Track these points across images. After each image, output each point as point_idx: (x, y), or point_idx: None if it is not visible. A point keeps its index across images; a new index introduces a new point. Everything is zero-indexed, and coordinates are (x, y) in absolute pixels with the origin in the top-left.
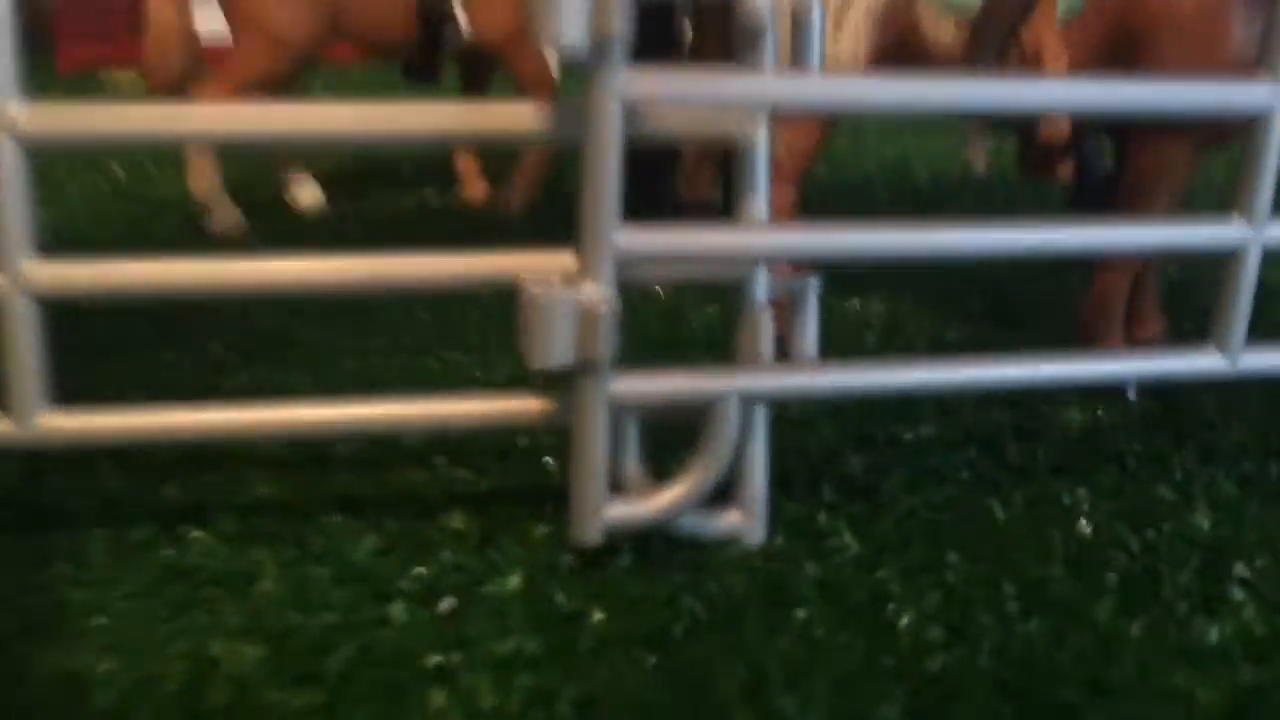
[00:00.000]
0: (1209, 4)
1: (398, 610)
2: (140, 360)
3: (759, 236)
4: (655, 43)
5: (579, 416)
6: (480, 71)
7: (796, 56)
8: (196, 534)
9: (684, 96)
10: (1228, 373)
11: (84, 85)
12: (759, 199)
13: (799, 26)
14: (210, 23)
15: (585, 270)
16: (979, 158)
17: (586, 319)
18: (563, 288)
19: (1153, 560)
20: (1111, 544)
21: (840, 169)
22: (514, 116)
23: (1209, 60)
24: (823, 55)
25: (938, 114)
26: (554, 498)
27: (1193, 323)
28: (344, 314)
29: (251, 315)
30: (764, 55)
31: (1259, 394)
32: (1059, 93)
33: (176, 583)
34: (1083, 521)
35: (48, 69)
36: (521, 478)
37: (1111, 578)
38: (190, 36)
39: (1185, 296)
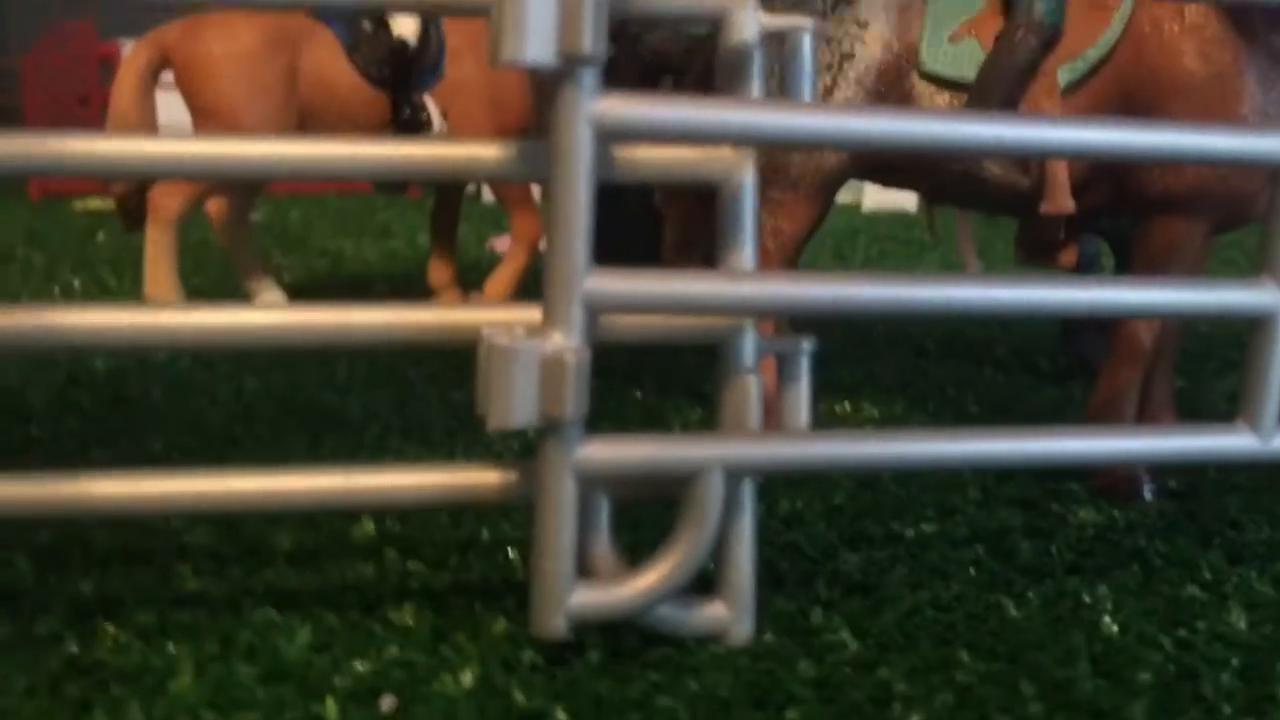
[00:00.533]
0: (1221, 69)
1: (330, 710)
2: (67, 459)
3: (744, 286)
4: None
5: (542, 485)
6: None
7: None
8: (107, 627)
9: (663, 123)
10: (1260, 454)
11: (55, 210)
12: (745, 247)
13: (790, 67)
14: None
15: (552, 319)
16: (970, 257)
17: (552, 372)
18: (526, 338)
19: (1190, 660)
20: (1142, 643)
21: None
22: (478, 152)
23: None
24: None
25: (940, 152)
26: (516, 592)
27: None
28: (298, 413)
29: (200, 415)
30: (750, 85)
31: None
32: (1076, 136)
33: (79, 680)
34: (1107, 619)
35: (20, 193)
36: (481, 571)
37: (1145, 678)
38: (151, 127)
39: (1196, 394)
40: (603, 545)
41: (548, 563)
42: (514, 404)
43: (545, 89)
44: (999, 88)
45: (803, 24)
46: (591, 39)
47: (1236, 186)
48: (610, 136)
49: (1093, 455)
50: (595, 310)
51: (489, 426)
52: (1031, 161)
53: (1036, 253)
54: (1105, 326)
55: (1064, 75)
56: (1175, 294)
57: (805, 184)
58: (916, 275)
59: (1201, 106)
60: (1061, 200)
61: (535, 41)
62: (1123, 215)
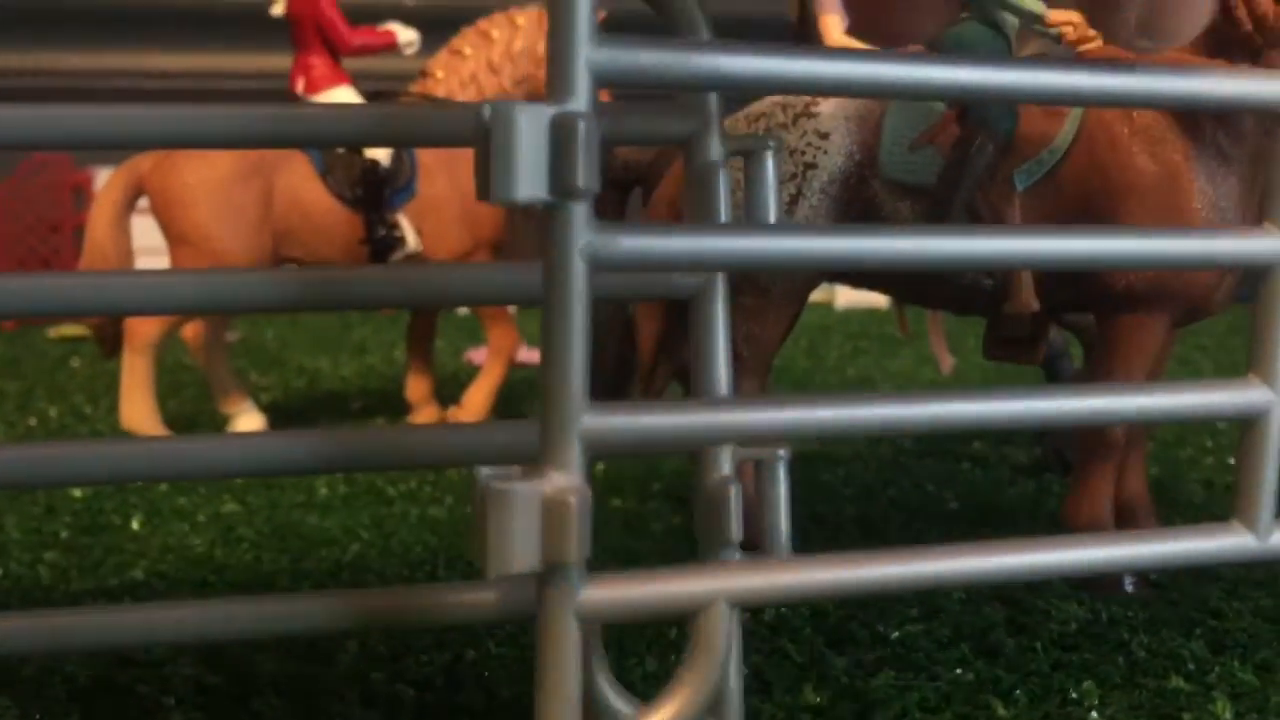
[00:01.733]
0: (1171, 168)
1: None
2: (46, 591)
3: (746, 415)
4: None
5: (545, 630)
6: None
7: (752, 216)
8: None
9: (656, 253)
10: (1259, 553)
11: (27, 337)
12: (719, 357)
13: (754, 182)
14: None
15: (550, 457)
16: (942, 353)
17: (553, 514)
18: (523, 478)
19: None
20: None
21: (800, 389)
22: (474, 279)
23: (1176, 224)
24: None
25: (909, 266)
26: (506, 712)
27: (1185, 518)
28: (279, 535)
29: (181, 541)
30: (718, 202)
31: (1266, 579)
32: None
33: None
34: (1094, 715)
35: None
36: (468, 692)
37: None
38: (126, 256)
39: (1174, 483)
40: (605, 685)
41: (553, 707)
42: (514, 549)
43: (534, 219)
44: (959, 192)
45: (765, 143)
46: (584, 173)
47: (1196, 281)
48: (602, 267)
49: (1087, 564)
50: (594, 449)
51: (487, 573)
52: None
53: (1004, 350)
54: None
55: (1020, 179)
56: (1162, 398)
57: (777, 290)
58: (905, 394)
59: (1155, 204)
60: (1025, 299)
61: (527, 179)
62: (1088, 311)
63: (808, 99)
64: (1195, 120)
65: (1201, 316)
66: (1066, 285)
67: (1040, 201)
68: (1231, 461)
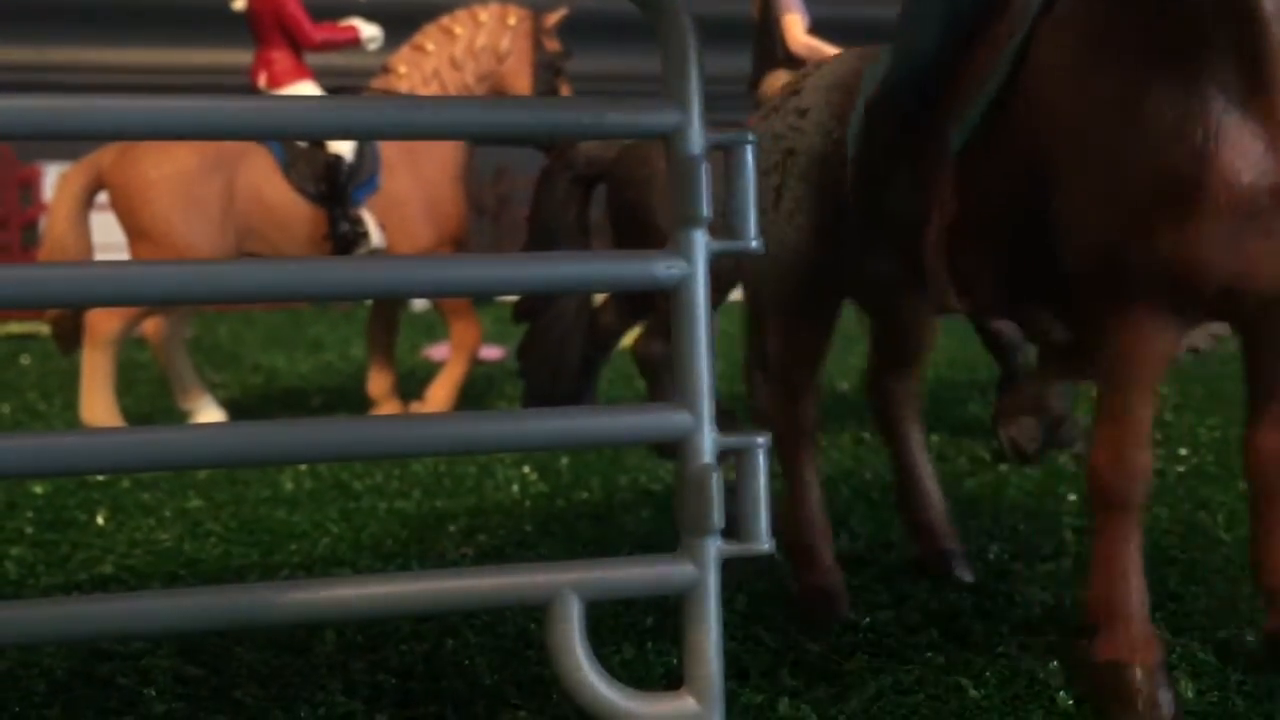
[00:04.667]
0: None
1: None
2: (14, 585)
3: None
4: None
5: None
6: None
7: (732, 212)
8: None
9: None
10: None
11: None
12: (702, 361)
13: (733, 181)
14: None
15: None
16: None
17: None
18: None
19: None
20: (1096, 715)
21: None
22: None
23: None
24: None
25: None
26: (486, 697)
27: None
28: (247, 530)
29: (149, 536)
30: (700, 197)
31: (1223, 564)
32: None
33: None
34: (1062, 694)
35: None
36: (450, 680)
37: None
38: (86, 252)
39: None
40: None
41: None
42: None
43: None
44: (869, 169)
45: (745, 137)
46: None
47: (1187, 244)
48: None
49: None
50: None
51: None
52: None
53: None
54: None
55: (956, 139)
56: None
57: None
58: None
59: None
60: (941, 297)
61: None
62: (1071, 317)
63: (805, 69)
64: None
65: (1228, 309)
66: (1024, 278)
67: (980, 164)
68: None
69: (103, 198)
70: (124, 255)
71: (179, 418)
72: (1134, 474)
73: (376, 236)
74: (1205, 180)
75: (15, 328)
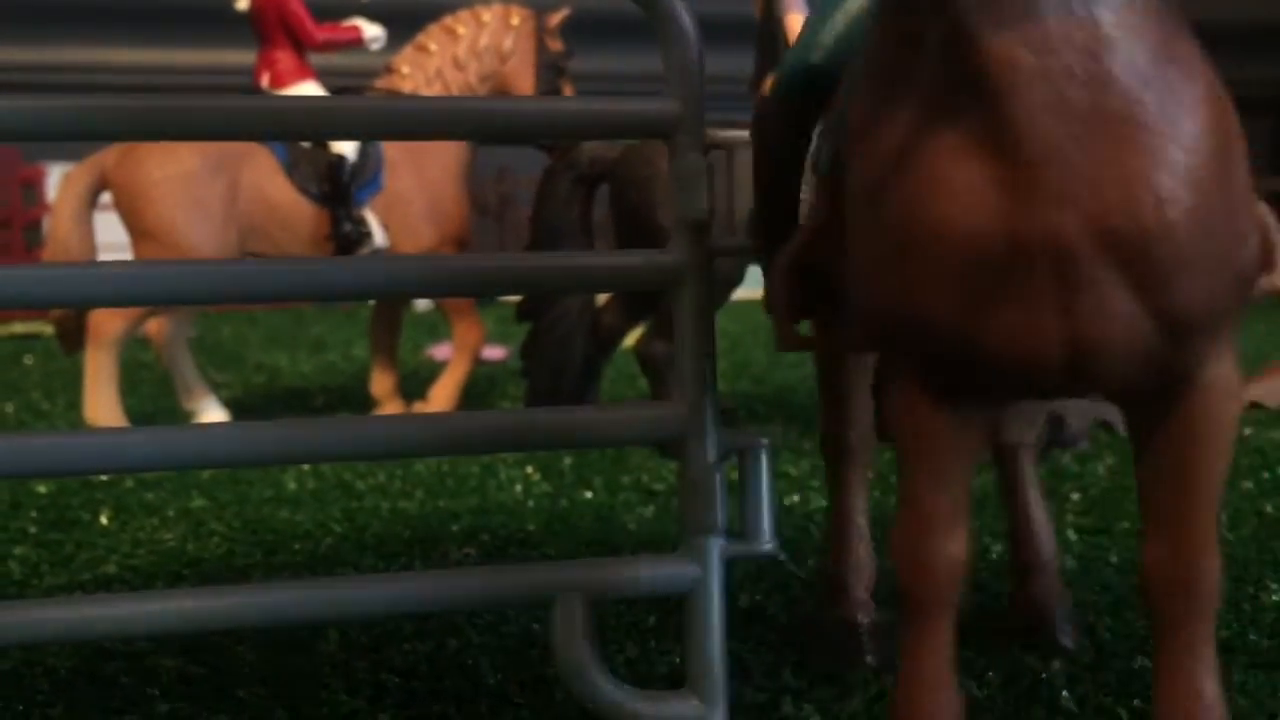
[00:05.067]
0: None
1: None
2: (18, 585)
3: None
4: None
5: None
6: None
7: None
8: None
9: None
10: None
11: None
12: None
13: (731, 182)
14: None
15: None
16: None
17: None
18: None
19: None
20: (1100, 716)
21: (760, 384)
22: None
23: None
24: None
25: None
26: (489, 696)
27: None
28: (250, 529)
29: (152, 535)
30: (701, 196)
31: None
32: None
33: None
34: (1065, 694)
35: None
36: (453, 680)
37: None
38: (90, 252)
39: None
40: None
41: None
42: None
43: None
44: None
45: (744, 139)
46: None
47: (911, 307)
48: None
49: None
50: None
51: None
52: None
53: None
54: None
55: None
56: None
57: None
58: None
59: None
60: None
61: None
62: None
63: None
64: None
65: (1035, 383)
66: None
67: (832, 190)
68: None
69: (106, 198)
70: (127, 255)
71: (182, 418)
72: (929, 568)
73: (379, 237)
74: (917, 229)
75: (19, 328)
